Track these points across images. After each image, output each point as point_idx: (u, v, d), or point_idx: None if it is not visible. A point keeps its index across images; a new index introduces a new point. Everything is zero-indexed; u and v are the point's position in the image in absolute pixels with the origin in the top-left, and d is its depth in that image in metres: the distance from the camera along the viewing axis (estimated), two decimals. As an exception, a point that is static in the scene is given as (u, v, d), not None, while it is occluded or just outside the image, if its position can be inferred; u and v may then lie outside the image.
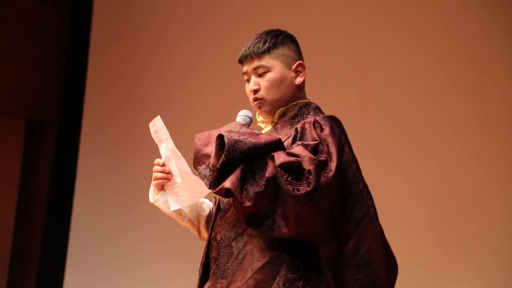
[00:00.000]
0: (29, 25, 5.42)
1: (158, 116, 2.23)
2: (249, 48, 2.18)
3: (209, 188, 1.95)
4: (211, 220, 2.20)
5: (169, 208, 2.23)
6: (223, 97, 4.67)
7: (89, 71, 5.34)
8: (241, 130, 1.98)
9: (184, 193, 2.17)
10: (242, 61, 2.21)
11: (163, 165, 2.23)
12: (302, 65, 2.20)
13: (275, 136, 2.01)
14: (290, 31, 4.22)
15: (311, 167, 1.88)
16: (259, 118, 2.23)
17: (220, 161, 1.89)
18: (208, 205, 2.30)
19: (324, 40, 4.18)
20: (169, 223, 4.73)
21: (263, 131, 2.21)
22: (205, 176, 1.96)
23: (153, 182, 2.24)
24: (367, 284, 1.96)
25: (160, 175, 2.22)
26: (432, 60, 3.84)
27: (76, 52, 5.47)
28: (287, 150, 1.94)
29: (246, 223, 1.92)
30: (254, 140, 1.92)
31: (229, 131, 1.96)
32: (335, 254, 1.95)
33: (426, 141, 3.80)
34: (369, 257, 1.97)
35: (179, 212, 2.25)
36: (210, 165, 1.94)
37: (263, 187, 1.87)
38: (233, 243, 2.03)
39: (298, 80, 2.18)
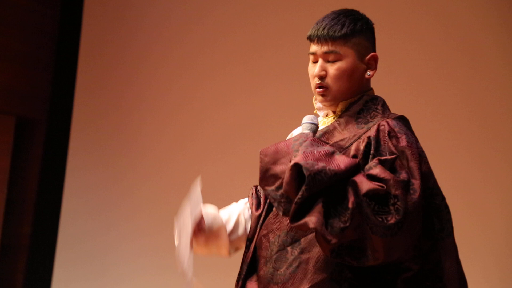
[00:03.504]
0: (18, 21, 5.39)
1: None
2: (324, 29, 1.99)
3: (283, 215, 1.85)
4: (256, 218, 2.07)
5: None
6: (216, 98, 4.68)
7: (79, 68, 5.32)
8: (315, 151, 1.81)
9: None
10: (312, 40, 2.02)
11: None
12: (375, 58, 2.04)
13: (354, 160, 1.85)
14: (287, 31, 4.30)
15: (397, 192, 1.76)
16: (316, 105, 2.09)
17: (300, 196, 1.75)
18: (223, 227, 2.11)
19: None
20: (156, 219, 4.77)
21: (322, 122, 2.07)
22: (276, 199, 1.84)
23: None
24: None
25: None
26: (430, 61, 3.85)
27: (66, 49, 5.44)
28: (366, 172, 1.81)
29: (330, 256, 1.80)
30: (334, 168, 1.77)
31: (304, 154, 1.80)
32: (412, 273, 1.84)
33: (426, 142, 3.75)
34: (442, 274, 1.86)
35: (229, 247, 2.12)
36: (283, 191, 1.81)
37: (349, 221, 1.73)
38: (289, 248, 1.92)
39: (369, 73, 2.03)
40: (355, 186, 1.77)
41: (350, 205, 1.74)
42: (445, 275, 1.86)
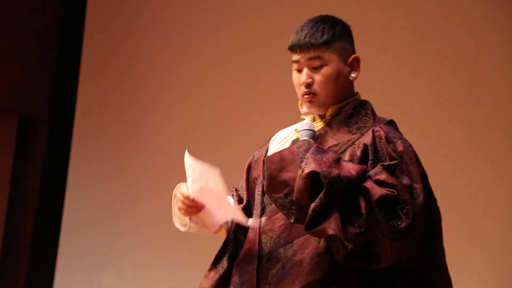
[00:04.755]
0: (20, 19, 5.38)
1: (218, 170, 2.01)
2: (305, 37, 2.02)
3: (294, 222, 1.87)
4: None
5: (210, 231, 2.15)
6: (218, 89, 4.67)
7: (82, 67, 5.31)
8: (325, 159, 1.84)
9: (220, 212, 2.09)
10: (294, 49, 2.05)
11: (192, 199, 2.06)
12: (357, 60, 2.08)
13: (363, 166, 1.88)
14: (287, 25, 4.27)
15: (406, 197, 1.81)
16: (303, 110, 2.13)
17: (318, 203, 1.79)
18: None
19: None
20: (161, 225, 4.75)
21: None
22: (285, 206, 1.87)
23: (181, 211, 2.11)
24: None
25: (192, 209, 2.07)
26: (438, 55, 3.84)
27: (68, 47, 5.43)
28: (373, 178, 1.84)
29: (342, 261, 1.84)
30: (348, 175, 1.81)
31: (316, 161, 1.82)
32: (411, 274, 1.89)
33: (426, 140, 3.76)
34: (430, 273, 1.91)
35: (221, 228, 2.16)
36: (295, 199, 1.84)
37: (363, 227, 1.78)
38: (281, 250, 1.96)
39: (353, 75, 2.07)
40: (367, 192, 1.81)
41: (363, 211, 1.79)
42: (435, 274, 1.91)
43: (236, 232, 2.10)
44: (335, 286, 1.88)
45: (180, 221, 2.17)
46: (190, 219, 2.13)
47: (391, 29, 3.96)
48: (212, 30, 4.77)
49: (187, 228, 2.14)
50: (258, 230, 2.03)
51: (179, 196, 2.09)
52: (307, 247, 1.92)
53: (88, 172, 5.15)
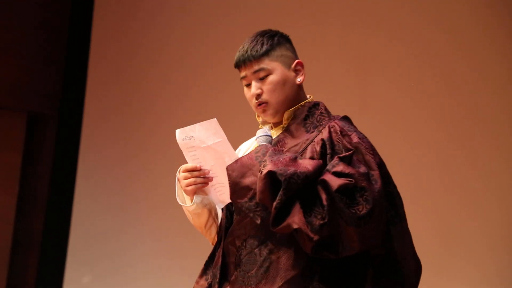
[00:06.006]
0: (28, 16, 5.40)
1: (215, 119, 2.11)
2: (246, 52, 2.13)
3: (261, 222, 1.93)
4: (222, 223, 2.16)
5: (218, 208, 2.19)
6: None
7: (91, 63, 5.32)
8: (281, 159, 1.93)
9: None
10: (239, 65, 2.16)
11: (200, 169, 2.12)
12: (301, 64, 2.17)
13: (318, 161, 1.97)
14: (288, 28, 4.26)
15: (363, 184, 1.89)
16: (260, 120, 2.21)
17: (279, 200, 1.87)
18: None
19: (321, 50, 4.17)
20: (170, 219, 4.76)
21: (271, 133, 2.16)
22: (250, 210, 1.95)
23: (188, 188, 2.12)
24: (397, 286, 1.98)
25: (200, 179, 2.11)
26: (429, 64, 3.85)
27: (77, 43, 5.44)
28: (331, 170, 1.92)
29: (310, 253, 1.91)
30: (304, 171, 1.90)
31: (273, 162, 1.91)
32: (380, 258, 1.96)
33: (425, 143, 3.81)
34: (399, 258, 1.98)
35: (213, 215, 2.20)
36: (258, 200, 1.92)
37: (326, 217, 1.86)
38: (256, 250, 2.01)
39: (299, 79, 2.16)
40: (326, 184, 1.89)
41: (324, 202, 1.87)
42: (401, 258, 1.98)
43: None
44: (316, 278, 1.94)
45: (188, 202, 2.18)
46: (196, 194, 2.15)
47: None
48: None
49: (191, 204, 2.15)
50: (222, 238, 2.10)
51: (185, 174, 2.12)
52: (283, 244, 1.98)
53: (97, 169, 5.16)
